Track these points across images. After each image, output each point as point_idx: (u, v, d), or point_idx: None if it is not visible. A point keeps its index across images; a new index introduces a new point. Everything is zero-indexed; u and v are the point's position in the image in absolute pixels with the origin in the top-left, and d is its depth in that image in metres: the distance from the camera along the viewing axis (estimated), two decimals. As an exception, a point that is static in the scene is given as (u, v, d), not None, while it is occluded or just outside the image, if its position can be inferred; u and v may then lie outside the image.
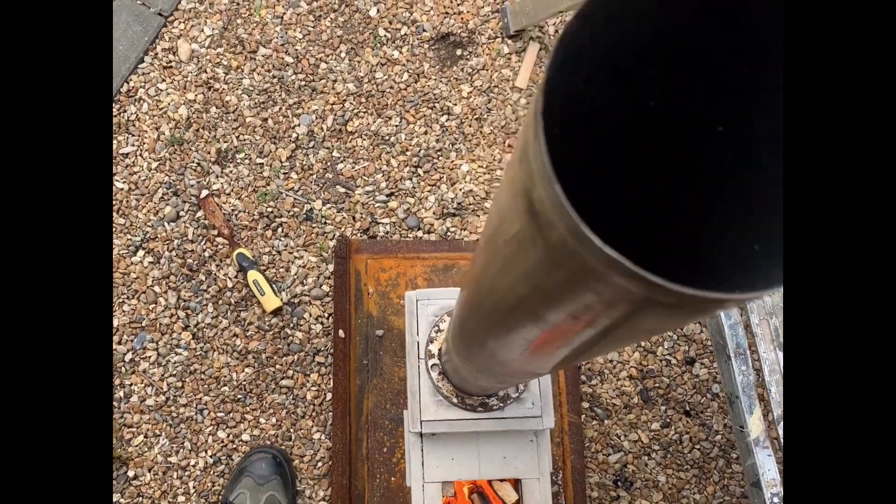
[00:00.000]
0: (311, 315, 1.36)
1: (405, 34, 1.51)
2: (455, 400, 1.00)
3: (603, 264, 0.26)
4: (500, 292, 0.44)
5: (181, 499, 1.28)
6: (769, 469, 0.88)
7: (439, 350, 1.03)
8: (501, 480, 1.09)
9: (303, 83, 1.47)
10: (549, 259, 0.31)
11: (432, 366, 1.02)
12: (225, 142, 1.44)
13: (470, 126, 1.47)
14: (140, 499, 1.28)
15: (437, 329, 1.04)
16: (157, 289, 1.37)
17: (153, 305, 1.36)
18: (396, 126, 1.46)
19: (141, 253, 1.38)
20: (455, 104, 1.48)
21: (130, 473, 1.29)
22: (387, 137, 1.45)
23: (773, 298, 0.92)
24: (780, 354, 0.91)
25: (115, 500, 1.28)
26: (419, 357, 1.03)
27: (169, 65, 1.47)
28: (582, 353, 0.43)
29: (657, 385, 1.38)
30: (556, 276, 0.31)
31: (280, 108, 1.46)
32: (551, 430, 1.32)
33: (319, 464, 1.31)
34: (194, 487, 1.29)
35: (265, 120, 1.45)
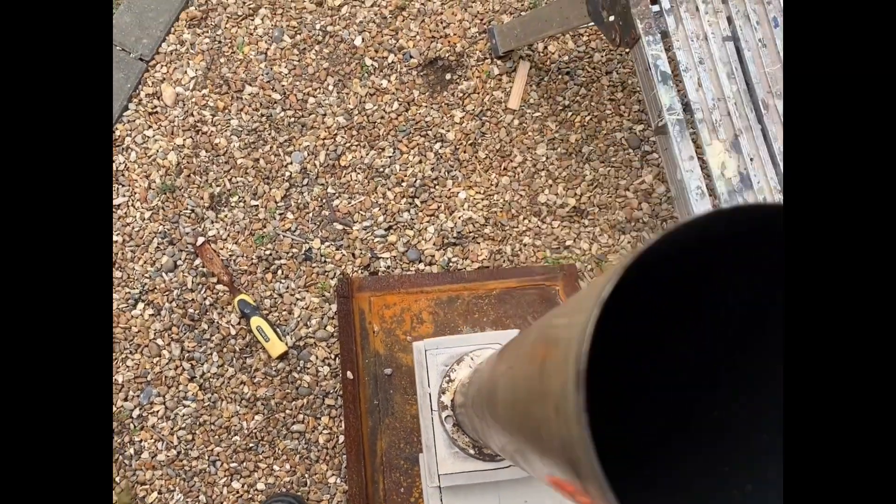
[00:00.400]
0: (317, 357, 1.35)
1: (392, 62, 1.48)
2: (472, 451, 0.99)
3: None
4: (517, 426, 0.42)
5: (200, 554, 1.27)
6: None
7: (452, 401, 1.01)
8: (523, 524, 1.08)
9: (292, 119, 1.45)
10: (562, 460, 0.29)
11: (446, 417, 1.01)
12: (217, 185, 1.41)
13: (465, 152, 1.45)
14: (159, 557, 1.27)
15: (448, 379, 1.03)
16: (159, 341, 1.35)
17: (157, 359, 1.34)
18: (390, 157, 1.44)
19: (141, 306, 1.36)
20: (448, 130, 1.45)
21: (147, 532, 1.28)
22: (381, 169, 1.43)
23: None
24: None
25: (133, 559, 1.27)
26: (432, 409, 1.02)
27: (154, 110, 1.44)
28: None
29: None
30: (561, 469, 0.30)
31: (271, 147, 1.43)
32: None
33: (337, 508, 1.30)
34: (213, 541, 1.28)
35: (256, 160, 1.43)
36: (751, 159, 0.92)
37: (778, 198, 0.92)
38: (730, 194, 0.91)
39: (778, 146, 0.93)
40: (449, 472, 0.99)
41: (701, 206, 0.90)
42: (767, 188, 0.92)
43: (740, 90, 0.95)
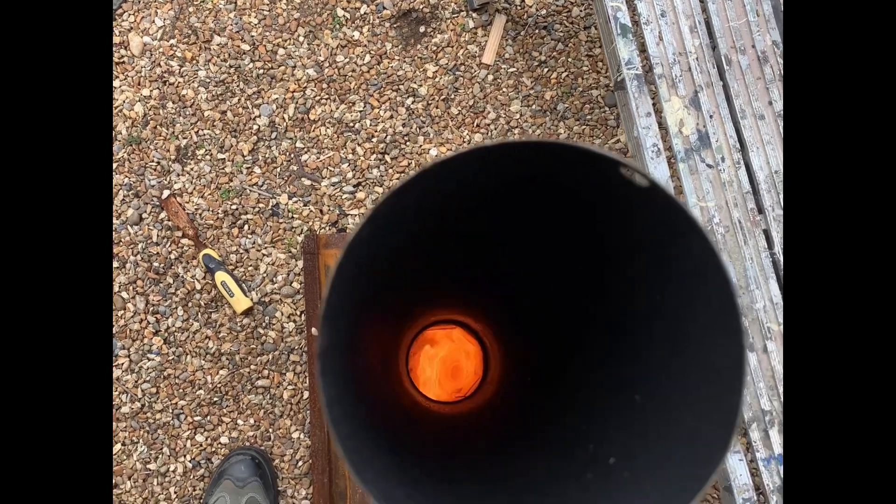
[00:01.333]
0: (282, 314, 1.34)
1: (365, 13, 1.45)
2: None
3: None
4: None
5: (163, 506, 1.28)
6: (741, 474, 0.86)
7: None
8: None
9: (261, 71, 1.42)
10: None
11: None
12: (184, 138, 1.39)
13: (437, 107, 1.42)
14: (122, 507, 1.28)
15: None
16: (124, 294, 1.34)
17: (122, 312, 1.34)
18: (360, 112, 1.41)
19: (106, 258, 1.35)
20: (420, 85, 1.42)
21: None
22: (351, 124, 1.41)
23: (743, 299, 0.89)
24: (750, 356, 0.88)
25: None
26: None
27: (121, 60, 1.41)
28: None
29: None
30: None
31: (239, 100, 1.41)
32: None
33: (300, 463, 1.31)
34: (175, 493, 1.29)
35: (224, 113, 1.40)
36: (710, 116, 0.89)
37: (736, 157, 0.89)
38: (686, 152, 0.88)
39: (739, 103, 0.90)
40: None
41: (656, 164, 0.88)
42: (726, 146, 0.89)
43: (703, 44, 0.92)
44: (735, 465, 0.86)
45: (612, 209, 0.28)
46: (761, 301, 0.88)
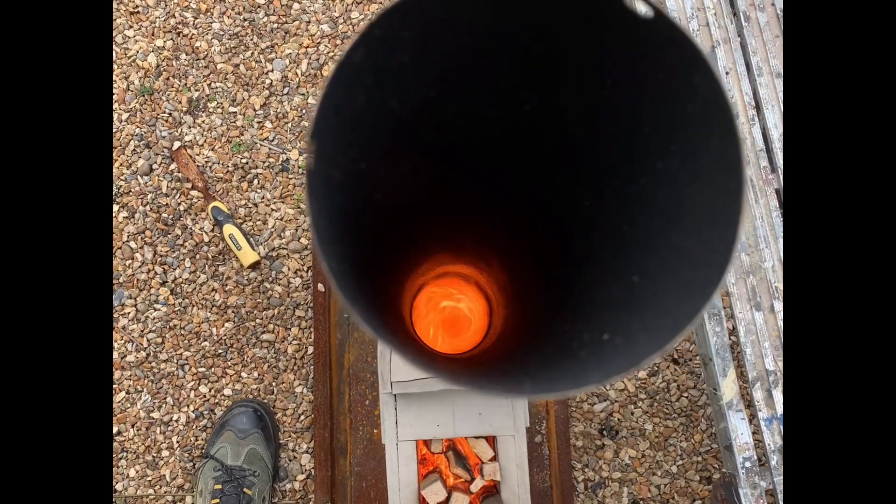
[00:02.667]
0: (289, 269, 1.34)
1: (382, -30, 1.43)
2: (425, 361, 0.98)
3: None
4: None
5: (165, 453, 1.29)
6: (742, 433, 0.85)
7: (409, 310, 1.00)
8: (477, 438, 1.08)
9: (275, 26, 1.41)
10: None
11: (402, 326, 1.00)
12: (196, 90, 1.38)
13: (451, 68, 1.40)
14: (124, 454, 1.29)
15: (408, 288, 1.02)
16: (132, 244, 1.34)
17: (129, 261, 1.34)
18: (374, 70, 1.40)
19: (115, 208, 1.35)
20: (435, 45, 1.41)
21: (114, 429, 1.29)
22: (364, 82, 1.39)
23: (752, 257, 0.88)
24: (757, 315, 0.87)
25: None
26: (389, 317, 1.01)
27: (136, 10, 1.41)
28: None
29: (644, 333, 1.36)
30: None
31: (252, 53, 1.40)
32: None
33: (302, 417, 1.31)
34: (177, 442, 1.29)
35: (237, 66, 1.39)
36: (726, 73, 0.88)
37: (751, 114, 0.88)
38: (701, 108, 0.87)
39: (756, 60, 0.88)
40: (402, 380, 0.99)
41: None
42: (741, 103, 0.88)
43: (721, 0, 0.90)
44: (737, 423, 0.86)
45: (615, 50, 0.27)
46: (770, 260, 0.87)
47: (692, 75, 0.25)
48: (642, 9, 0.27)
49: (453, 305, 1.08)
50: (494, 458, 1.06)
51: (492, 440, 1.08)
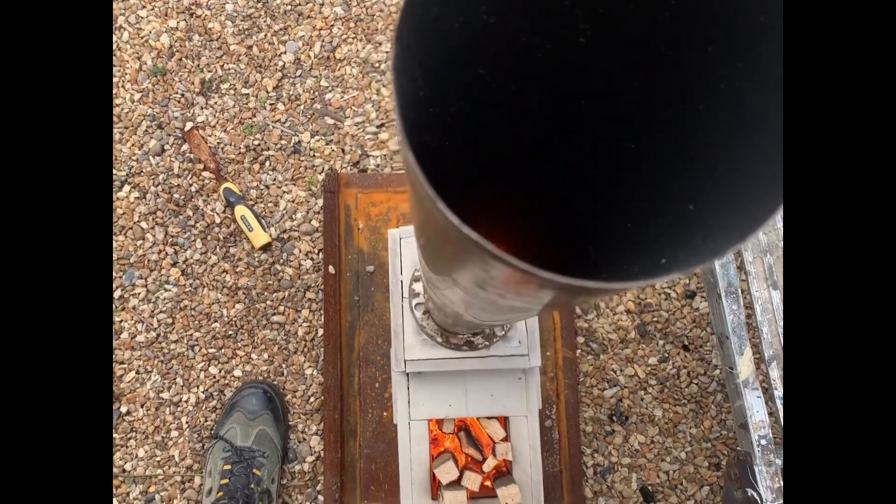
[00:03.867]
0: (300, 251, 1.34)
1: (395, -46, 1.43)
2: (440, 339, 0.98)
3: (468, 247, 0.23)
4: (426, 248, 0.40)
5: (174, 434, 1.29)
6: (758, 411, 0.85)
7: (424, 288, 1.00)
8: (489, 418, 1.08)
9: (288, 7, 1.41)
10: (439, 234, 0.27)
11: (416, 305, 1.00)
12: (209, 71, 1.38)
13: (464, 52, 1.40)
14: (133, 433, 1.29)
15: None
16: (144, 224, 1.34)
17: (141, 241, 1.34)
18: (387, 52, 1.40)
19: (127, 188, 1.35)
20: (448, 29, 1.41)
21: (123, 409, 1.29)
22: (377, 65, 1.39)
23: (769, 236, 0.88)
24: (774, 293, 0.87)
25: (112, 436, 1.29)
26: (403, 296, 1.01)
27: (148, -10, 1.41)
28: (515, 313, 0.40)
29: (655, 319, 1.36)
30: (448, 251, 0.27)
31: (265, 35, 1.40)
32: (543, 366, 1.31)
33: (312, 399, 1.31)
34: (187, 422, 1.29)
35: (250, 48, 1.39)
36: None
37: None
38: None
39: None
40: (415, 359, 0.99)
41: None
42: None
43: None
44: (753, 401, 0.85)
45: None
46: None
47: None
48: None
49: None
50: (506, 439, 1.06)
51: (503, 420, 1.08)
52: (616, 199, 0.33)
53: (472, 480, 1.02)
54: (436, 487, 1.04)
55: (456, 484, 1.02)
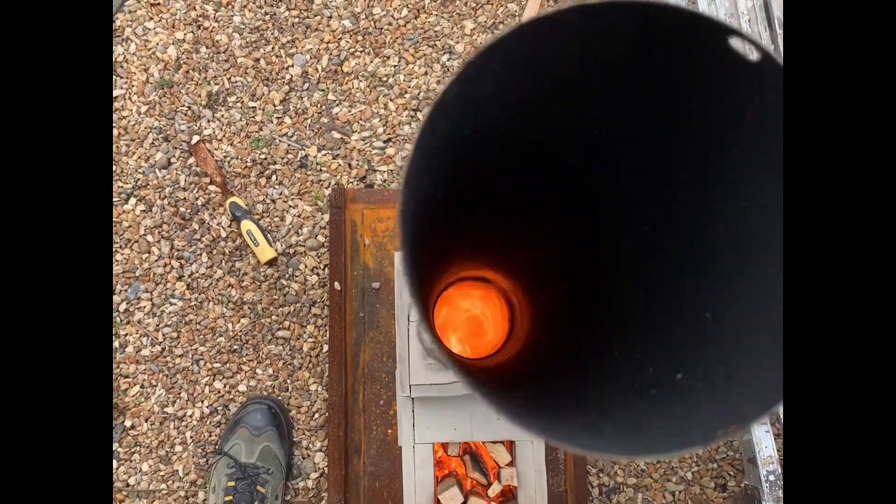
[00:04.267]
0: (306, 266, 1.33)
1: (404, -34, 1.42)
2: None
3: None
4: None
5: (178, 448, 1.29)
6: (766, 446, 0.84)
7: (430, 313, 0.99)
8: (495, 442, 1.07)
9: (296, 20, 1.40)
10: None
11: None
12: (216, 84, 1.38)
13: (472, 66, 1.39)
14: (137, 448, 1.29)
15: (428, 290, 1.01)
16: (149, 238, 1.34)
17: (146, 255, 1.33)
18: (395, 66, 1.39)
19: (133, 201, 1.34)
20: (457, 42, 1.40)
21: (127, 423, 1.29)
22: (384, 79, 1.38)
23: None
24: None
25: (112, 449, 1.29)
26: (409, 320, 1.00)
27: (156, 1, 1.40)
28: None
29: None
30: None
31: (273, 48, 1.39)
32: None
33: (316, 415, 1.30)
34: (191, 437, 1.29)
35: (257, 60, 1.38)
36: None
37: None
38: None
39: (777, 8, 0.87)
40: (421, 384, 0.98)
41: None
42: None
43: (756, 7, 0.89)
44: (761, 436, 0.84)
45: (710, 89, 0.26)
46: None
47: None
48: (750, 53, 0.26)
49: (471, 307, 1.07)
50: (511, 463, 1.06)
51: (509, 444, 1.07)
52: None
53: (477, 506, 1.01)
54: (440, 512, 1.04)
55: (460, 510, 1.01)
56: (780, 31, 0.89)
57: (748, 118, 0.25)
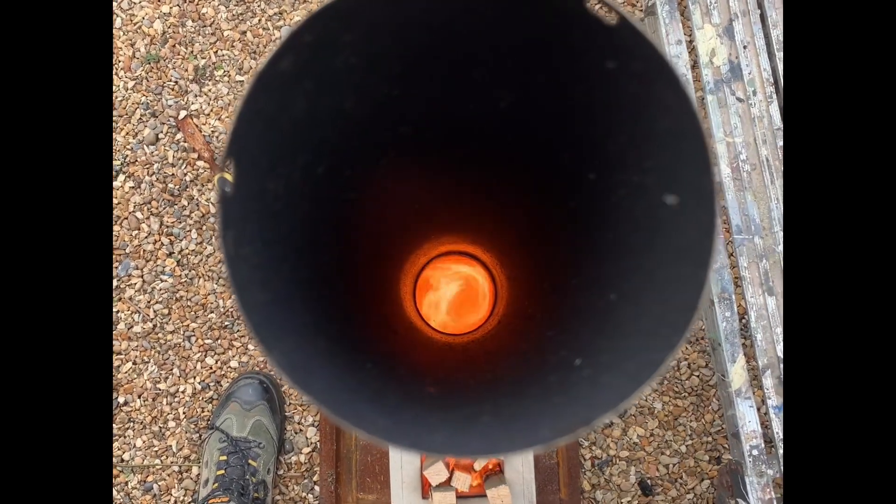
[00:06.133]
0: (296, 241, 1.32)
1: (392, -66, 1.39)
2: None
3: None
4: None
5: (171, 424, 1.29)
6: (750, 420, 0.83)
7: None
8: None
9: (283, -8, 1.37)
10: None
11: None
12: (203, 58, 1.36)
13: (462, 36, 1.36)
14: (131, 424, 1.29)
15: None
16: (139, 214, 1.33)
17: (136, 232, 1.33)
18: (383, 38, 1.36)
19: (121, 178, 1.34)
20: (447, 12, 1.37)
21: (121, 400, 1.30)
22: (373, 50, 1.36)
23: (766, 240, 0.85)
24: (769, 299, 0.84)
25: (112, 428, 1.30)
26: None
27: (141, -26, 1.38)
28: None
29: (656, 311, 1.33)
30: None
31: (259, 20, 1.37)
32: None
33: (308, 390, 1.30)
34: (183, 413, 1.30)
35: (244, 33, 1.36)
36: (744, 47, 0.84)
37: (769, 91, 0.84)
38: (716, 84, 0.83)
39: (776, 34, 0.84)
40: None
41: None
42: (759, 79, 0.84)
43: (743, -31, 0.86)
44: (745, 411, 0.83)
45: (585, 57, 0.25)
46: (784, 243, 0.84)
47: (664, 89, 0.23)
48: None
49: (458, 282, 1.06)
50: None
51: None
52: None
53: (462, 481, 1.01)
54: (426, 486, 1.04)
55: (446, 485, 1.01)
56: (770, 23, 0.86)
57: (622, 90, 0.23)
